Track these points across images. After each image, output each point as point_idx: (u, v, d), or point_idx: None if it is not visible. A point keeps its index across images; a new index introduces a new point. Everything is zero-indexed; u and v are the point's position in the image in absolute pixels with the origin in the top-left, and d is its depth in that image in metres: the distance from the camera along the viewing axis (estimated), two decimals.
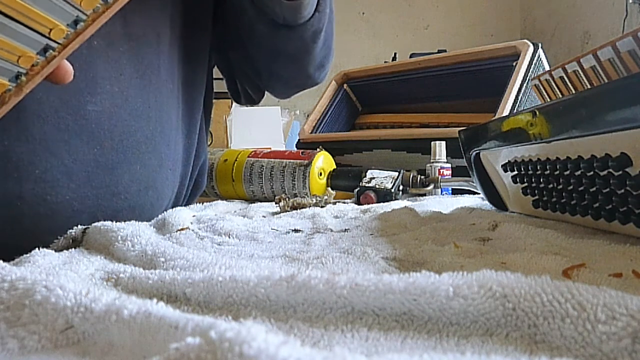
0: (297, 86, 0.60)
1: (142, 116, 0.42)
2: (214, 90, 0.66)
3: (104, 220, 0.40)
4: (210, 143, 1.42)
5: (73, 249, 0.31)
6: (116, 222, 0.42)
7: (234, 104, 1.45)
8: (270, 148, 0.79)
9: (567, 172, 0.32)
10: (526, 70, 0.84)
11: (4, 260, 0.26)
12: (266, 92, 0.64)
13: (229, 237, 0.36)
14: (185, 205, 0.59)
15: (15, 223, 0.37)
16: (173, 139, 0.48)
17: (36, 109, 0.36)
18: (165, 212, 0.50)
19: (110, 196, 0.41)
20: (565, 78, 0.59)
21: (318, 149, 0.71)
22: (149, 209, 0.45)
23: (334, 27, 0.56)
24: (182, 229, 0.37)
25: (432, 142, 0.74)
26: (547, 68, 0.87)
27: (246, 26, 0.52)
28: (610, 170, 0.27)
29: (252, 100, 0.65)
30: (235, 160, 0.73)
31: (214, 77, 0.61)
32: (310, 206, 0.54)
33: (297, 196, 0.60)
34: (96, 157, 0.39)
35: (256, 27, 0.50)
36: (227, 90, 0.65)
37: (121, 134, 0.41)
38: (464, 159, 0.47)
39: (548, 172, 0.35)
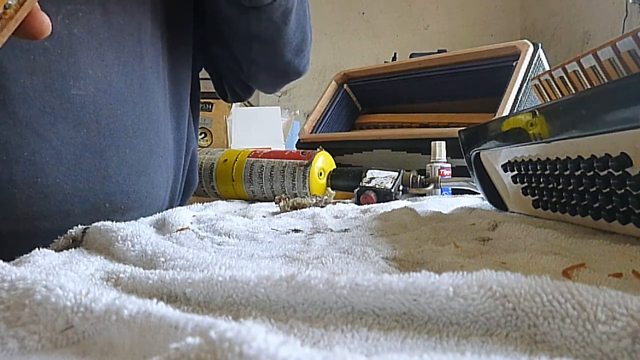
0: (280, 75, 0.60)
1: (127, 101, 0.43)
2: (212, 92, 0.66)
3: (97, 204, 0.41)
4: (210, 143, 1.42)
5: (73, 249, 0.31)
6: (111, 206, 0.42)
7: (234, 104, 1.45)
8: (270, 148, 0.79)
9: (567, 172, 0.32)
10: (526, 70, 0.84)
11: (2, 252, 0.26)
12: (262, 93, 0.64)
13: (229, 237, 0.36)
14: (181, 202, 0.59)
15: (8, 207, 0.37)
16: (162, 128, 0.48)
17: (21, 92, 0.36)
18: (164, 208, 0.51)
19: (102, 179, 0.41)
20: (565, 78, 0.59)
21: (318, 149, 0.71)
22: (144, 195, 0.45)
23: (309, 11, 0.56)
24: (182, 229, 0.38)
25: (432, 142, 0.74)
26: (547, 68, 0.87)
27: (219, 13, 0.53)
28: (610, 170, 0.27)
29: (238, 97, 0.66)
30: (235, 160, 0.73)
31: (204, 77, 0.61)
32: (310, 206, 0.54)
33: (297, 196, 0.60)
34: (84, 140, 0.40)
35: (227, 12, 0.51)
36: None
37: (107, 118, 0.41)
38: (464, 159, 0.47)
39: (548, 172, 0.35)
